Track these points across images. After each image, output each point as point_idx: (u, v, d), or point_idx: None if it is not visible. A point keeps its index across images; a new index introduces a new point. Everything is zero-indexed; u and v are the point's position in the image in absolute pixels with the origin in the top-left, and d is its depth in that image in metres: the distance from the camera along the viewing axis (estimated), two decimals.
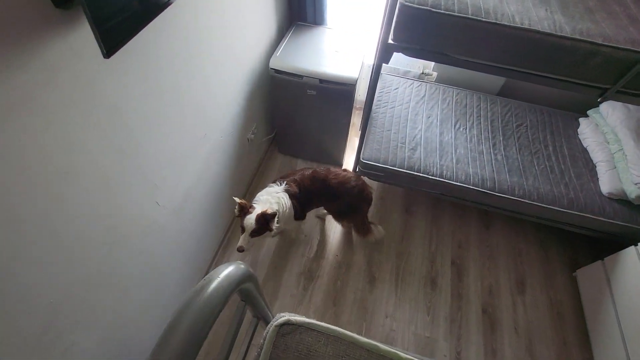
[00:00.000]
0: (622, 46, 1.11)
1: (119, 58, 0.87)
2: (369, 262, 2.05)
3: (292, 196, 1.62)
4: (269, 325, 0.55)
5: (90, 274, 1.02)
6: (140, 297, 1.33)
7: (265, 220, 1.44)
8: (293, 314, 0.56)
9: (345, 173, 1.79)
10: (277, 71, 1.89)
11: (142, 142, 1.10)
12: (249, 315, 0.64)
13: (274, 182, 1.67)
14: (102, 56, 0.76)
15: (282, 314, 0.56)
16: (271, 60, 1.89)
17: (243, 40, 1.66)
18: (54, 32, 0.73)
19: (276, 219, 1.47)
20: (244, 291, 0.51)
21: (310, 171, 1.74)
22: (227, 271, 0.47)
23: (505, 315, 1.91)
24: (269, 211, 1.44)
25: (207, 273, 1.90)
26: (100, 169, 0.96)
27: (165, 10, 0.95)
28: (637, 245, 1.68)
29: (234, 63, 1.62)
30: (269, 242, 2.09)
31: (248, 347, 0.65)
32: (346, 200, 1.78)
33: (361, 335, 1.81)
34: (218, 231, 1.97)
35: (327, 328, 0.52)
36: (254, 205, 1.51)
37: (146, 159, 1.14)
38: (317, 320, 1.85)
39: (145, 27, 0.89)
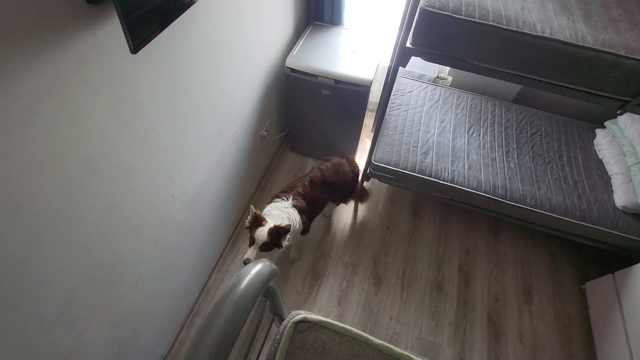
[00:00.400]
0: None
1: (142, 54, 0.89)
2: (375, 264, 2.06)
3: (300, 211, 1.60)
4: (285, 322, 0.56)
5: (105, 262, 1.05)
6: (152, 287, 1.36)
7: (277, 234, 1.40)
8: (309, 312, 0.57)
9: (334, 161, 1.85)
10: (292, 70, 1.91)
11: (161, 135, 1.12)
12: (266, 310, 0.66)
13: (278, 197, 1.63)
14: (128, 51, 0.79)
15: (298, 312, 0.57)
16: (287, 59, 1.90)
17: (260, 39, 1.68)
18: (84, 26, 0.75)
19: (288, 236, 1.44)
20: (269, 288, 0.53)
21: (308, 179, 1.73)
22: (256, 269, 0.48)
23: (510, 324, 1.90)
24: (283, 225, 1.40)
25: (216, 266, 1.94)
26: (121, 160, 0.98)
27: (188, 9, 0.97)
28: None
29: (250, 61, 1.64)
30: None
31: (264, 341, 0.66)
32: (347, 184, 1.88)
33: None
34: (228, 225, 2.00)
35: (342, 327, 0.53)
36: (266, 218, 1.47)
37: (164, 152, 1.17)
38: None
39: (169, 25, 0.91)
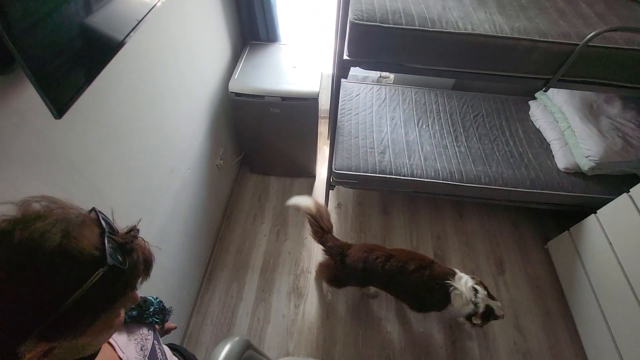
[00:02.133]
0: (556, 40, 1.20)
1: (71, 114, 0.83)
2: None
3: None
4: None
5: None
6: None
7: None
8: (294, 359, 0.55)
9: (359, 247, 1.63)
10: (237, 94, 1.87)
11: (105, 191, 1.05)
12: None
13: (448, 278, 1.58)
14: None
15: None
16: (230, 84, 1.87)
17: (198, 69, 1.64)
18: None
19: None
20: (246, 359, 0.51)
21: (412, 258, 1.59)
22: (225, 353, 0.46)
23: None
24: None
25: (194, 308, 1.85)
26: None
27: (116, 54, 0.91)
28: (596, 213, 1.82)
29: (191, 93, 1.59)
30: (253, 264, 2.07)
31: None
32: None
33: (359, 344, 1.82)
34: (200, 263, 1.92)
35: None
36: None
37: (113, 208, 1.09)
38: (314, 336, 1.82)
39: (97, 77, 0.85)
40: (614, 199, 1.72)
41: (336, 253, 1.59)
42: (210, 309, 1.89)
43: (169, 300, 1.54)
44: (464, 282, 1.53)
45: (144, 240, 0.52)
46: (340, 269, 1.61)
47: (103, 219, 0.48)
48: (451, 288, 1.51)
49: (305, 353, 1.76)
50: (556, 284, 2.07)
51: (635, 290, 1.54)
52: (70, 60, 0.76)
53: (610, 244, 1.69)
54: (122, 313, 0.51)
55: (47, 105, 0.70)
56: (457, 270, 1.60)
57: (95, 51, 0.85)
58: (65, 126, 0.86)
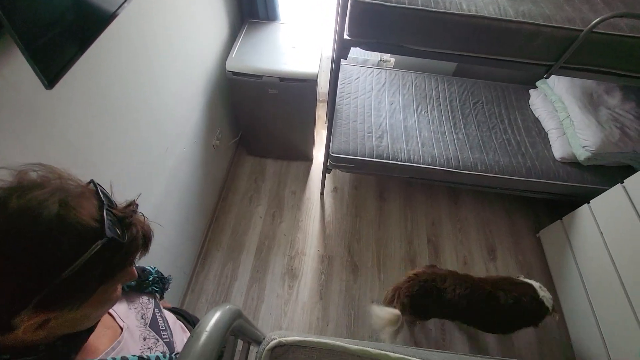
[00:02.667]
0: (560, 25, 1.18)
1: (63, 85, 0.81)
2: (350, 252, 2.10)
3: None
4: (260, 349, 0.56)
5: None
6: None
7: None
8: (284, 333, 0.57)
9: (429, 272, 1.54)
10: (234, 73, 1.84)
11: (99, 166, 1.04)
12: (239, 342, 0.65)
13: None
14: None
15: (272, 336, 0.56)
16: (227, 63, 1.83)
17: (195, 45, 1.60)
18: None
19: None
20: (234, 329, 0.51)
21: (483, 285, 1.53)
22: (214, 320, 0.46)
23: None
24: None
25: (188, 287, 1.87)
26: None
27: (109, 25, 0.89)
28: (589, 203, 1.84)
29: (188, 70, 1.56)
30: (248, 245, 2.08)
31: None
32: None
33: (350, 325, 1.85)
34: (195, 242, 1.93)
35: (319, 342, 0.54)
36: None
37: (106, 185, 1.09)
38: (307, 316, 1.85)
39: (89, 47, 0.83)
40: (608, 189, 1.73)
41: (429, 287, 1.46)
42: (205, 287, 1.91)
43: None
44: (539, 286, 1.54)
45: (143, 216, 0.51)
46: (437, 301, 1.47)
47: (102, 192, 0.47)
48: (545, 300, 1.50)
49: (298, 331, 1.80)
50: (546, 271, 2.11)
51: (622, 279, 1.57)
52: (61, 27, 0.74)
53: (601, 233, 1.72)
54: (120, 288, 0.50)
55: (37, 74, 0.68)
56: (530, 282, 1.56)
57: (87, 19, 0.82)
58: (57, 98, 0.84)
